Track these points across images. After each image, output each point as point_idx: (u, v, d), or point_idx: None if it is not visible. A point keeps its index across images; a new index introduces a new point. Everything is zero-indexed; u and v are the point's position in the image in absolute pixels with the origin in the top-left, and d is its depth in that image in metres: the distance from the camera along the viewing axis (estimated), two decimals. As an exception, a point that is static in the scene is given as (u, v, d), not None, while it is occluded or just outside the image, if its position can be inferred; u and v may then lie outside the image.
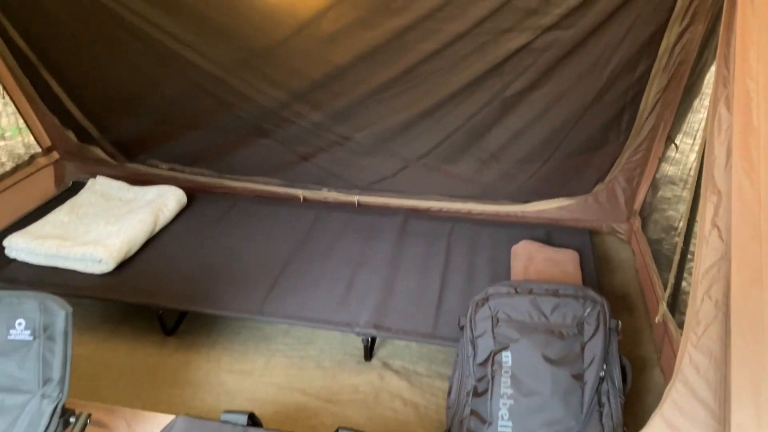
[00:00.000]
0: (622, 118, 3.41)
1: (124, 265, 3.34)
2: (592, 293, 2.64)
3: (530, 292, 2.70)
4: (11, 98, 4.04)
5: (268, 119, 3.79)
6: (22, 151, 4.44)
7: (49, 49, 3.74)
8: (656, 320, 3.00)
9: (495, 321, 2.64)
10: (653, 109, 3.31)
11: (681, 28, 2.98)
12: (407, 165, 3.93)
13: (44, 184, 4.51)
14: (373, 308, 3.05)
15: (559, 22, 3.00)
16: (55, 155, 4.61)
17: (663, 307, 2.94)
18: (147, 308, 3.09)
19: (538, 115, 3.47)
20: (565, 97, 3.35)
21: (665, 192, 3.42)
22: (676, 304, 2.90)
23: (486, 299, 2.68)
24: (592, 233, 3.88)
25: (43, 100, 4.09)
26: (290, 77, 3.48)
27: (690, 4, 2.87)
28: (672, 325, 2.85)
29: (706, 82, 3.03)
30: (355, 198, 4.15)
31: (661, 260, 3.33)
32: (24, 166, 4.24)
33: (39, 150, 4.46)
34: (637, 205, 3.86)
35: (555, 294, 2.66)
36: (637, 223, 3.82)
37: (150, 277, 3.25)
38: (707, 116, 2.20)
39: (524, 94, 3.38)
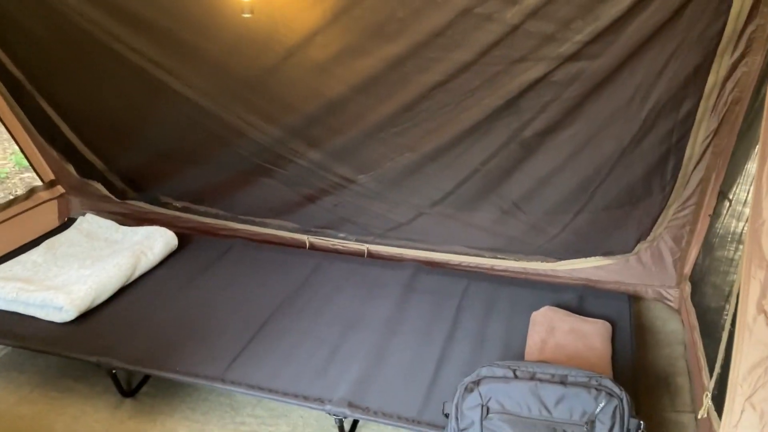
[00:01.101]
0: (666, 167, 2.87)
1: (88, 315, 3.03)
2: (609, 383, 2.12)
3: (532, 377, 2.20)
4: (8, 129, 3.84)
5: (266, 157, 3.47)
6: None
7: (42, 77, 3.58)
8: (699, 416, 2.39)
9: (485, 411, 2.16)
10: (702, 156, 2.79)
11: (733, 59, 2.46)
12: (421, 212, 3.51)
13: (46, 219, 4.28)
14: (353, 381, 2.60)
15: (581, 51, 2.55)
16: (60, 189, 4.39)
17: (707, 400, 2.36)
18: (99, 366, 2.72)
19: (565, 160, 3.01)
20: (596, 140, 2.88)
21: (718, 254, 2.82)
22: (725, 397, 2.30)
23: (477, 383, 2.21)
24: (634, 299, 3.29)
25: (41, 132, 3.87)
26: (282, 111, 3.17)
27: (744, 28, 2.34)
28: (718, 425, 2.25)
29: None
30: (366, 246, 3.72)
31: (712, 337, 2.72)
32: (21, 199, 4.00)
33: (40, 183, 4.24)
34: (688, 269, 3.26)
35: (562, 382, 2.15)
36: (687, 289, 3.22)
37: (112, 331, 2.91)
38: (756, 170, 1.70)
39: (547, 135, 2.91)
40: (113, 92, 3.42)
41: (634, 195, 3.09)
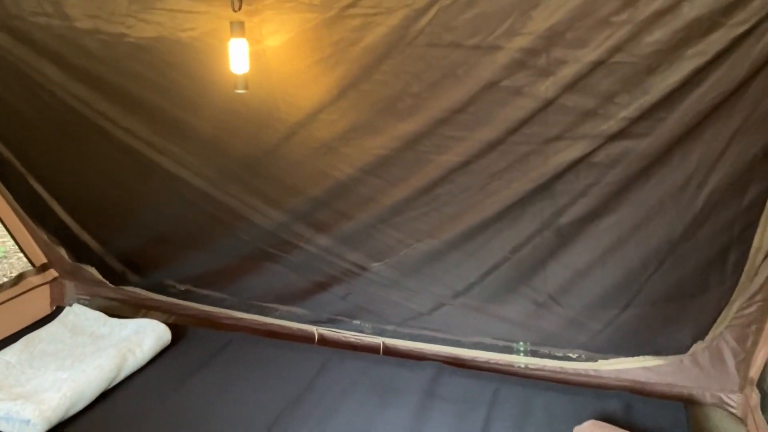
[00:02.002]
0: (727, 260, 2.49)
1: (61, 427, 2.62)
2: None
3: None
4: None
5: (270, 242, 3.17)
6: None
7: (32, 157, 3.35)
8: None
9: None
10: (773, 247, 2.35)
11: (810, 137, 2.05)
12: (443, 303, 3.13)
13: (37, 307, 3.96)
14: None
15: (627, 129, 2.22)
16: (52, 273, 4.08)
17: None
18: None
19: (607, 251, 2.63)
20: (642, 230, 2.52)
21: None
22: None
23: None
24: (690, 405, 2.84)
25: (31, 213, 3.60)
26: (285, 193, 2.87)
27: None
28: None
29: None
30: (381, 340, 3.33)
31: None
32: (9, 285, 3.69)
33: (30, 268, 3.94)
34: (755, 373, 2.81)
35: None
36: (754, 397, 2.76)
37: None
38: None
39: (586, 222, 2.57)
40: (105, 172, 3.16)
41: (689, 289, 2.69)
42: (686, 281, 2.63)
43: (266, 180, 2.84)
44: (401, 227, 2.80)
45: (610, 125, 2.21)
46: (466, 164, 2.47)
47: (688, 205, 2.37)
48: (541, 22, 2.04)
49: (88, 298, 4.08)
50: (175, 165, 2.93)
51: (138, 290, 3.91)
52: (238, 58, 2.24)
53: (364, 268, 3.11)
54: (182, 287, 3.83)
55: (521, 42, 2.10)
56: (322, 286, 3.34)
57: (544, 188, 2.46)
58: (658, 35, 1.98)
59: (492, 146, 2.38)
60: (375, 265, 3.06)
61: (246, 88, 2.29)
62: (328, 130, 2.52)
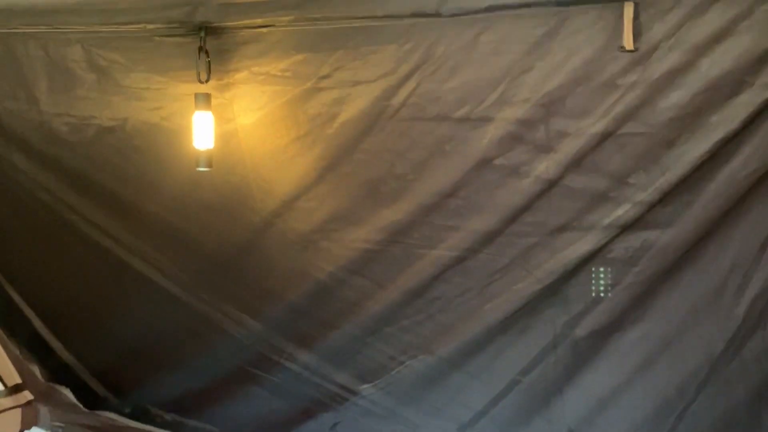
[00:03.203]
0: (785, 386, 2.02)
1: None
2: None
3: None
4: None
5: (248, 358, 2.84)
6: None
7: (3, 260, 3.05)
8: None
9: None
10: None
11: None
12: (450, 436, 2.64)
13: (4, 434, 3.55)
14: None
15: (646, 216, 1.94)
16: (26, 396, 3.71)
17: None
18: None
19: (633, 373, 2.22)
20: (675, 345, 2.12)
21: None
22: None
23: None
24: None
25: (3, 323, 3.32)
26: (261, 298, 2.59)
27: None
28: None
29: None
30: (376, 485, 2.82)
31: None
32: (-32, 408, 3.33)
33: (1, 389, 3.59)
34: None
35: None
36: None
37: None
38: None
39: (606, 336, 2.19)
40: (76, 274, 2.93)
41: (736, 425, 2.19)
42: (735, 413, 2.16)
43: (240, 282, 2.57)
44: (391, 340, 2.45)
45: (626, 212, 1.93)
46: (461, 260, 2.17)
47: (728, 314, 2.00)
48: (536, 88, 1.85)
49: (62, 425, 3.69)
50: (145, 265, 2.69)
51: (113, 416, 3.52)
52: (202, 132, 2.05)
53: (353, 392, 2.71)
54: (167, 416, 3.44)
55: (515, 112, 1.89)
56: (308, 413, 2.92)
57: (553, 291, 2.13)
58: (675, 99, 1.74)
59: (489, 238, 2.09)
60: (365, 388, 2.66)
61: (210, 165, 2.09)
62: (306, 221, 2.28)
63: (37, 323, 3.24)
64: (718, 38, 1.65)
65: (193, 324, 2.79)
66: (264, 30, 2.04)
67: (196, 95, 2.06)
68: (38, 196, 2.65)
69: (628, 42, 1.66)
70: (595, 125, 1.82)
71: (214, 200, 2.37)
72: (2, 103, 2.45)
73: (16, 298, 3.18)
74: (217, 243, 2.49)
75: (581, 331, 2.19)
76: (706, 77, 1.69)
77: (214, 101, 2.13)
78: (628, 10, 1.65)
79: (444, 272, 2.22)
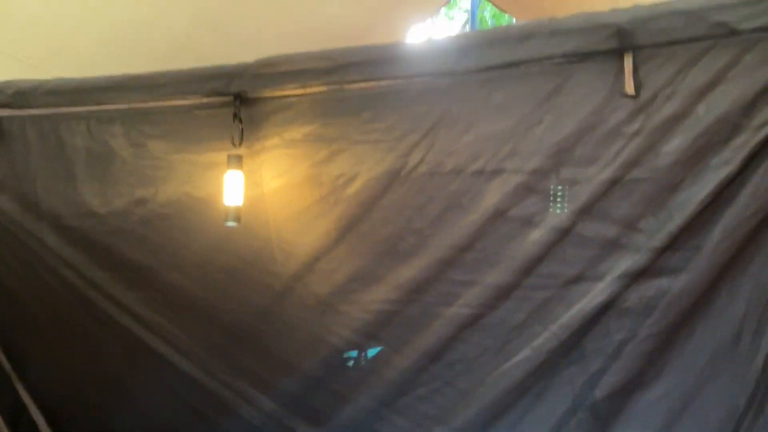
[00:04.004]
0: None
1: None
2: None
3: None
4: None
5: None
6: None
7: (15, 343, 3.01)
8: None
9: None
10: None
11: None
12: None
13: None
14: None
15: (658, 263, 1.96)
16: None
17: None
18: None
19: None
20: (696, 402, 2.02)
21: None
22: None
23: None
24: None
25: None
26: (275, 371, 2.54)
27: None
28: None
29: None
30: None
31: None
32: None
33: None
34: None
35: None
36: None
37: None
38: None
39: (626, 396, 2.10)
40: (87, 358, 2.86)
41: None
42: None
43: (255, 354, 2.52)
44: (407, 411, 2.35)
45: (638, 258, 1.95)
46: (478, 317, 2.15)
47: (747, 364, 1.94)
48: (546, 139, 1.94)
49: None
50: (161, 342, 2.65)
51: None
52: (232, 190, 2.14)
53: (366, 474, 2.55)
54: None
55: (527, 163, 1.97)
56: None
57: (571, 347, 2.09)
58: (676, 143, 1.83)
59: (506, 292, 2.09)
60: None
61: (238, 220, 2.16)
62: (326, 283, 2.29)
63: (37, 417, 3.13)
64: (711, 86, 1.77)
65: (204, 405, 2.70)
66: (293, 99, 2.20)
67: (229, 156, 2.18)
68: (61, 273, 2.66)
69: (629, 88, 1.79)
70: (602, 172, 1.90)
71: (235, 265, 2.40)
72: (41, 181, 2.54)
73: (24, 395, 3.11)
74: (236, 311, 2.48)
75: (600, 391, 2.10)
76: (704, 122, 1.79)
77: (243, 167, 2.24)
78: (628, 62, 1.80)
79: (461, 331, 2.18)
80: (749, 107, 1.75)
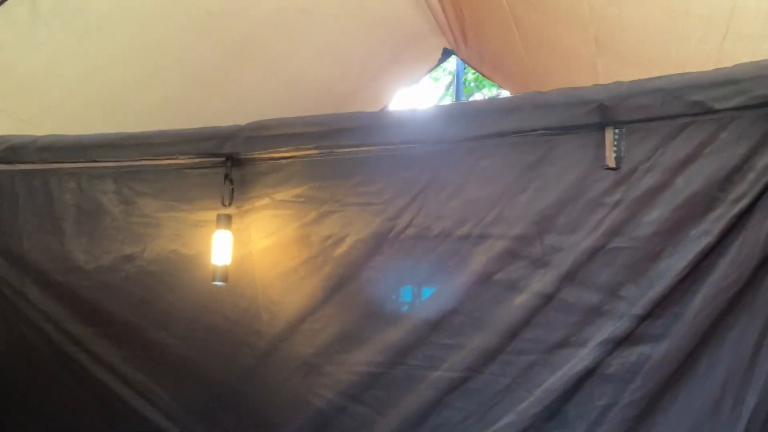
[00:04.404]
0: None
1: None
2: None
3: None
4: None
5: None
6: None
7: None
8: None
9: None
10: None
11: None
12: None
13: None
14: None
15: (640, 330, 1.99)
16: None
17: None
18: None
19: None
20: None
21: None
22: None
23: None
24: None
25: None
26: None
27: None
28: None
29: None
30: None
31: None
32: None
33: None
34: None
35: None
36: None
37: None
38: None
39: None
40: (65, 414, 2.78)
41: None
42: None
43: (239, 415, 2.49)
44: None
45: (620, 325, 1.98)
46: (463, 381, 2.15)
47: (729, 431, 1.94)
48: (530, 206, 1.99)
49: None
50: (141, 401, 2.59)
51: None
52: (221, 249, 2.15)
53: None
54: None
55: (512, 229, 2.01)
56: None
57: (555, 413, 2.09)
58: (656, 214, 1.89)
59: (491, 356, 2.11)
60: None
61: (225, 280, 2.17)
62: (311, 343, 2.29)
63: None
64: (689, 160, 1.83)
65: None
66: (285, 161, 2.24)
67: (218, 216, 2.20)
68: (42, 328, 2.61)
69: (610, 161, 1.86)
70: (585, 240, 1.95)
71: (221, 324, 2.39)
72: (28, 235, 2.52)
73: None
74: (220, 371, 2.45)
75: (585, 458, 2.13)
76: (682, 195, 1.85)
77: (232, 226, 2.26)
78: (609, 136, 1.87)
79: (446, 395, 2.17)
80: (725, 182, 1.82)
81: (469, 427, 2.19)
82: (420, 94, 13.08)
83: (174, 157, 2.31)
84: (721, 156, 1.82)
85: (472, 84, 12.00)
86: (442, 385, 2.18)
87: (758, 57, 1.81)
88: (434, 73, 11.57)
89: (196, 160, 2.33)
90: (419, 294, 2.15)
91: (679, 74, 1.78)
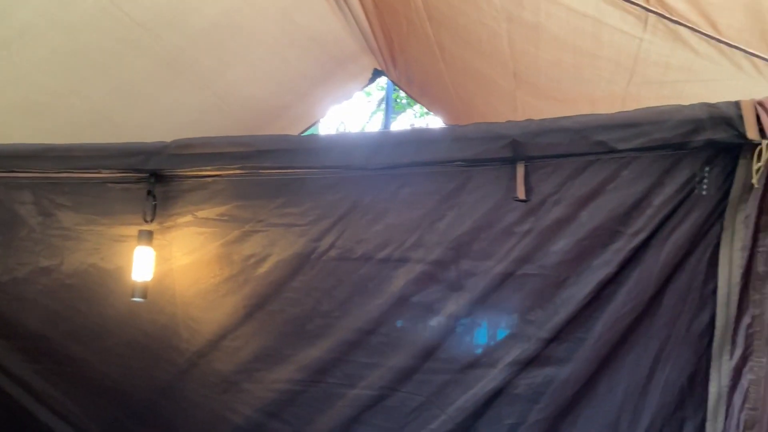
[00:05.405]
0: None
1: None
2: None
3: None
4: None
5: None
6: None
7: None
8: None
9: None
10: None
11: (734, 363, 1.94)
12: None
13: None
14: None
15: (546, 353, 2.11)
16: None
17: None
18: None
19: None
20: None
21: None
22: None
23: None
24: None
25: None
26: None
27: (738, 320, 1.90)
28: None
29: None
30: None
31: None
32: None
33: None
34: None
35: None
36: None
37: None
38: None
39: None
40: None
41: None
42: None
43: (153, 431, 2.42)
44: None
45: (528, 347, 2.07)
46: (379, 399, 2.21)
47: (626, 449, 2.06)
48: (447, 233, 2.06)
49: None
50: (53, 418, 2.51)
51: None
52: (141, 265, 2.12)
53: None
54: None
55: (430, 254, 2.07)
56: None
57: (466, 429, 2.17)
58: (561, 245, 1.99)
59: (407, 375, 2.17)
60: None
61: (145, 296, 2.15)
62: (230, 361, 2.29)
63: None
64: (592, 195, 1.95)
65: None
66: (209, 179, 2.24)
67: (140, 231, 2.18)
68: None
69: (520, 194, 1.95)
70: (497, 266, 2.04)
71: (140, 340, 2.35)
72: None
73: None
74: (137, 387, 2.42)
75: (492, 475, 2.21)
76: (586, 227, 1.96)
77: (154, 242, 2.23)
78: (520, 170, 1.96)
79: (363, 413, 2.22)
80: (625, 217, 1.94)
81: (385, 445, 2.24)
82: (352, 109, 13.15)
83: (96, 170, 2.26)
84: (621, 193, 1.94)
85: (404, 101, 12.16)
86: (359, 402, 2.23)
87: (660, 101, 1.94)
88: (368, 88, 11.68)
89: (119, 175, 2.29)
90: (340, 314, 2.17)
91: (586, 115, 1.90)
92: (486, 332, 2.10)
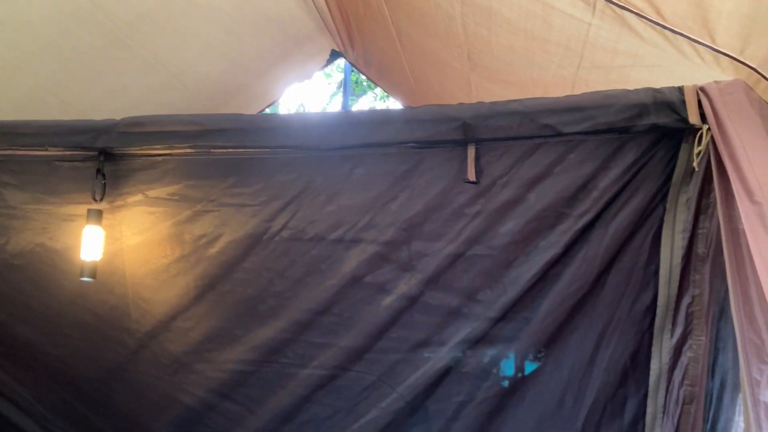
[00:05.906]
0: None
1: None
2: None
3: None
4: None
5: None
6: None
7: None
8: None
9: None
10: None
11: (675, 341, 2.00)
12: None
13: None
14: None
15: (493, 332, 2.15)
16: None
17: None
18: None
19: None
20: None
21: None
22: None
23: None
24: None
25: None
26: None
27: (679, 300, 1.96)
28: None
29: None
30: None
31: None
32: None
33: None
34: None
35: None
36: None
37: None
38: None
39: None
40: None
41: None
42: None
43: (106, 414, 2.43)
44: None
45: (477, 326, 2.11)
46: (331, 379, 2.22)
47: (570, 427, 2.13)
48: (399, 214, 2.07)
49: None
50: (0, 400, 2.44)
51: None
52: (90, 245, 2.08)
53: None
54: None
55: (382, 235, 2.08)
56: None
57: (416, 408, 2.21)
58: (510, 226, 2.02)
59: (358, 355, 2.19)
60: None
61: (94, 276, 2.11)
62: (182, 342, 2.27)
63: None
64: (540, 178, 1.98)
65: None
66: (159, 158, 2.19)
67: (89, 210, 2.13)
68: None
69: (471, 175, 1.97)
70: (447, 247, 2.06)
71: (89, 321, 2.31)
72: None
73: None
74: (86, 368, 2.39)
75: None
76: (534, 209, 1.99)
77: (103, 222, 2.19)
78: (471, 152, 1.98)
79: (315, 392, 2.24)
80: (572, 199, 1.98)
81: (337, 422, 2.26)
82: (312, 91, 13.01)
83: (44, 148, 2.20)
84: (568, 175, 1.97)
85: (365, 84, 12.08)
86: (311, 382, 2.24)
87: (607, 86, 1.97)
88: (327, 69, 11.56)
89: (68, 153, 2.23)
90: (293, 294, 2.17)
91: (534, 99, 1.92)
92: (435, 312, 2.12)
